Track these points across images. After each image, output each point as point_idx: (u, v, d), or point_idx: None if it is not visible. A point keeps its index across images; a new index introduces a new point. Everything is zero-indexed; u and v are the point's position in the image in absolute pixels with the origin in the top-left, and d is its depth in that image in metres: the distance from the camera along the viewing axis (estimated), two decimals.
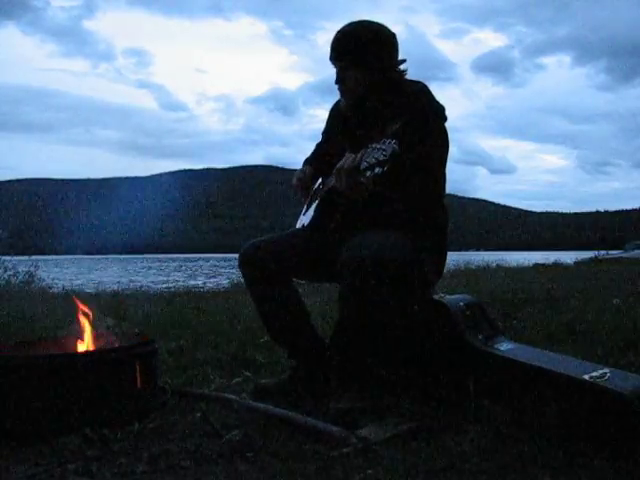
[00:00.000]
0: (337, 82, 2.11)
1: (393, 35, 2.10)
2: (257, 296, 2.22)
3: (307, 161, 2.44)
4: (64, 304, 5.09)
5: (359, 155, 1.80)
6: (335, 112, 2.32)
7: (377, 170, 1.73)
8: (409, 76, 2.14)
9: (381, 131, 2.04)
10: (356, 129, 2.15)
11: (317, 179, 2.38)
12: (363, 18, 2.14)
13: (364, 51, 2.04)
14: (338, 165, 1.88)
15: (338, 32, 2.10)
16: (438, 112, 2.06)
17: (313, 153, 2.46)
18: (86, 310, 2.19)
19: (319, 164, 2.35)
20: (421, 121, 1.99)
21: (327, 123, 2.40)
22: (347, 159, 1.85)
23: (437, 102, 2.08)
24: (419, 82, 2.13)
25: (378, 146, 1.74)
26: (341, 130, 2.23)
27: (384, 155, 1.72)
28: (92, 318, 2.20)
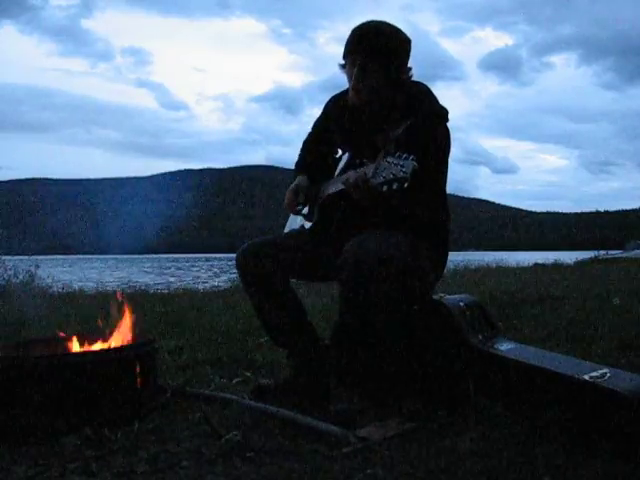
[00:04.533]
0: (352, 77, 2.04)
1: (410, 40, 2.08)
2: (255, 297, 2.22)
3: (298, 166, 2.40)
4: (64, 304, 5.09)
5: (372, 167, 1.77)
6: (333, 110, 2.28)
7: (395, 186, 1.68)
8: (414, 76, 2.13)
9: (384, 134, 2.03)
10: (357, 130, 2.14)
11: (311, 185, 2.32)
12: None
13: (389, 49, 2.01)
14: (348, 176, 1.86)
15: (362, 27, 2.05)
16: (441, 115, 2.06)
17: (303, 156, 2.42)
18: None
19: (312, 168, 2.32)
20: (424, 124, 1.99)
21: (320, 119, 2.37)
22: (359, 170, 1.82)
23: (440, 104, 2.07)
24: (420, 83, 2.12)
25: (394, 161, 1.69)
26: (340, 130, 2.22)
27: (404, 172, 1.67)
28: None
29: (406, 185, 1.67)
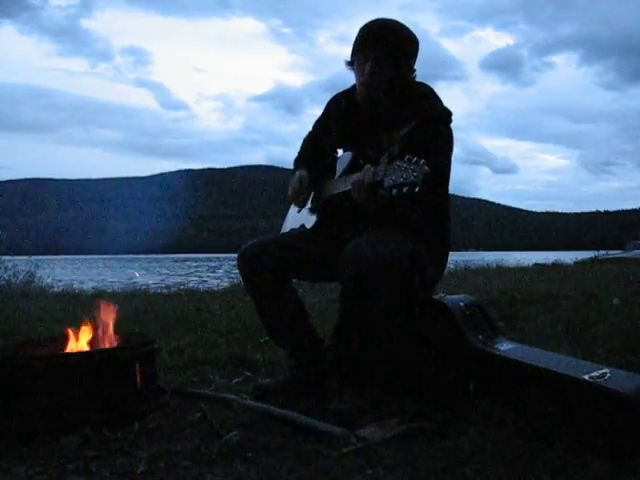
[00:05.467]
0: (364, 72, 2.03)
1: (418, 41, 2.08)
2: (256, 296, 2.22)
3: (297, 162, 2.40)
4: (64, 304, 5.09)
5: (381, 170, 1.75)
6: (335, 109, 2.28)
7: (405, 190, 1.67)
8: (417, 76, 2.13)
9: (388, 135, 2.03)
10: (361, 130, 2.13)
11: (313, 181, 2.33)
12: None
13: (402, 46, 2.02)
14: (356, 177, 1.85)
15: (374, 23, 2.05)
16: (445, 116, 2.06)
17: (302, 153, 2.42)
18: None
19: (311, 167, 2.32)
20: (429, 126, 1.98)
21: (322, 118, 2.37)
22: (367, 172, 1.81)
23: (444, 106, 2.07)
24: (424, 84, 2.12)
25: (404, 165, 1.68)
26: (342, 130, 2.22)
27: (415, 177, 1.65)
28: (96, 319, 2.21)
29: (417, 190, 1.66)
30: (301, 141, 2.46)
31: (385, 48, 1.99)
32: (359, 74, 2.07)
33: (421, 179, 1.65)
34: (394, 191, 1.69)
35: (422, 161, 1.66)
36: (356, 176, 1.87)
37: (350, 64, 2.10)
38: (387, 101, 2.07)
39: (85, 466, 1.58)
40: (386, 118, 2.06)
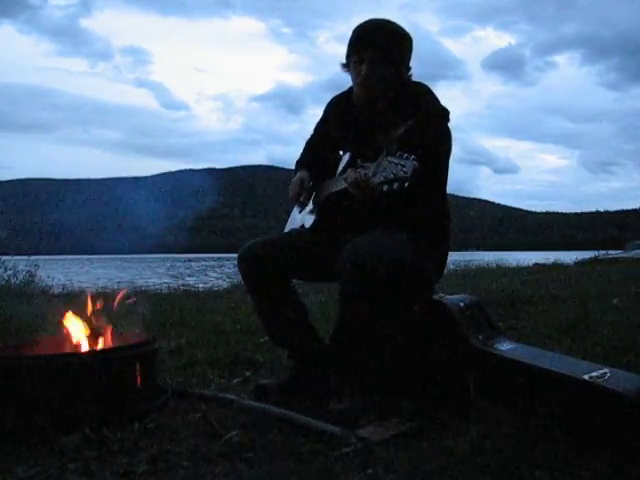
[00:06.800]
0: (360, 73, 2.03)
1: (412, 39, 2.09)
2: (256, 296, 2.22)
3: (300, 164, 2.41)
4: (64, 304, 5.08)
5: (374, 166, 1.77)
6: (333, 111, 2.29)
7: (395, 186, 1.68)
8: (415, 75, 2.13)
9: (385, 134, 2.03)
10: (358, 130, 2.13)
11: (314, 181, 2.34)
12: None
13: (396, 45, 2.03)
14: (351, 175, 1.86)
15: (367, 24, 2.05)
16: (442, 114, 2.06)
17: (305, 154, 2.43)
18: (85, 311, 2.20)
19: (314, 166, 2.33)
20: (426, 124, 1.99)
21: (322, 119, 2.37)
22: (359, 169, 1.82)
23: (441, 104, 2.08)
24: (421, 84, 2.13)
25: (395, 160, 1.69)
26: (340, 131, 2.22)
27: (404, 172, 1.66)
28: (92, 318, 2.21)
29: (406, 185, 1.67)
30: (302, 142, 2.47)
31: (379, 48, 2.00)
32: (355, 76, 2.07)
33: (410, 174, 1.66)
34: (385, 187, 1.70)
35: (412, 157, 1.68)
36: (349, 173, 1.88)
37: (345, 66, 2.11)
38: (384, 101, 2.07)
39: (85, 466, 1.57)
40: (383, 117, 2.07)
